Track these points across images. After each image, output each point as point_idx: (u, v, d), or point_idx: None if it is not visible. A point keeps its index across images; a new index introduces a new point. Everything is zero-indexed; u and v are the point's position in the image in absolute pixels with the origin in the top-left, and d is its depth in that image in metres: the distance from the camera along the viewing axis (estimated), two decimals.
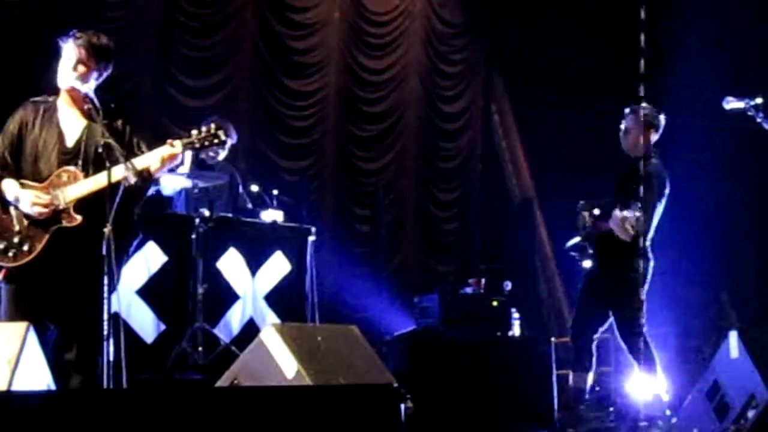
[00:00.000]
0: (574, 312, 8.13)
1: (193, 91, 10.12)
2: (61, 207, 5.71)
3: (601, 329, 7.75)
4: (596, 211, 7.69)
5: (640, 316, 7.31)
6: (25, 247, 5.70)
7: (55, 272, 5.68)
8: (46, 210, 5.69)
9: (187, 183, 8.27)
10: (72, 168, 5.77)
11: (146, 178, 5.82)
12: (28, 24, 8.96)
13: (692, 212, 10.26)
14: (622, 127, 7.81)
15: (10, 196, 5.74)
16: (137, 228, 6.08)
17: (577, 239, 7.98)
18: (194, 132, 5.92)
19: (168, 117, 9.67)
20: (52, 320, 5.74)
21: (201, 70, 10.23)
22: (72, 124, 5.89)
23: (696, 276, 10.20)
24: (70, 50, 5.84)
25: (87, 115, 5.81)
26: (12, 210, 5.75)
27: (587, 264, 7.94)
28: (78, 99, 5.87)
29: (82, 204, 5.71)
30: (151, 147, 5.90)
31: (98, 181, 5.66)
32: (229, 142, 8.87)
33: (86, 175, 5.72)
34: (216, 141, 5.95)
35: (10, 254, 5.69)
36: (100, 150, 5.68)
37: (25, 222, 5.73)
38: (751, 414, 7.15)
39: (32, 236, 5.71)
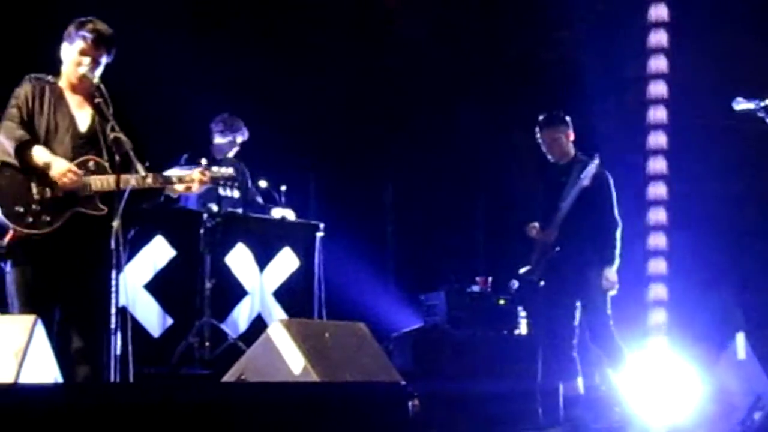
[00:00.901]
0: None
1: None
2: (86, 193, 5.70)
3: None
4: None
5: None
6: (46, 217, 5.65)
7: (65, 256, 5.66)
8: (75, 184, 5.67)
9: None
10: (101, 159, 5.76)
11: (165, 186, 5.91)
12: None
13: (701, 212, 10.25)
14: (545, 138, 7.90)
15: (39, 161, 5.67)
16: (133, 218, 6.07)
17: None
18: (215, 169, 6.17)
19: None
20: (57, 304, 5.73)
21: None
22: (80, 110, 5.89)
23: (703, 276, 10.18)
24: (79, 39, 5.83)
25: (94, 105, 5.80)
26: (34, 179, 5.69)
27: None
28: (85, 88, 5.86)
29: (103, 196, 5.71)
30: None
31: (126, 181, 5.65)
32: (240, 139, 8.91)
33: (111, 166, 5.71)
34: (233, 184, 6.28)
35: (29, 219, 5.63)
36: (109, 143, 5.69)
37: (47, 194, 5.67)
38: (757, 416, 7.14)
39: (52, 210, 5.67)
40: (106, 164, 5.74)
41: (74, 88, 5.91)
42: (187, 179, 5.95)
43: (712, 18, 10.34)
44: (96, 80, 5.75)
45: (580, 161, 7.79)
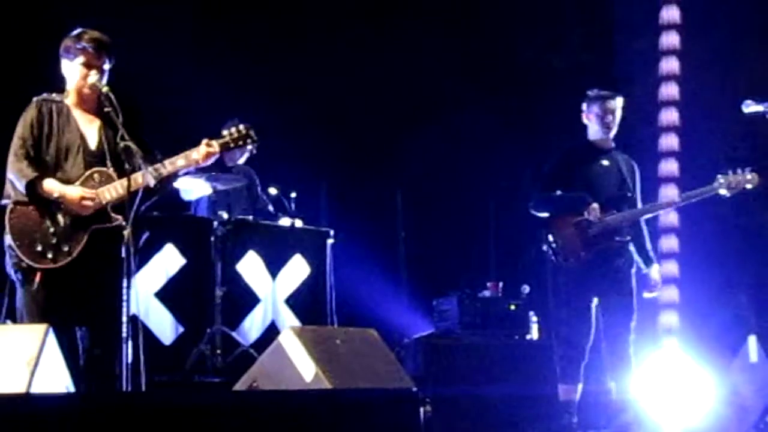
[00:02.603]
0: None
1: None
2: (98, 208, 5.69)
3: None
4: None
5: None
6: (65, 248, 5.67)
7: (88, 274, 5.67)
8: (92, 206, 5.67)
9: (208, 190, 8.28)
10: (104, 169, 5.75)
11: (170, 180, 5.87)
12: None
13: (713, 214, 10.21)
14: (609, 108, 7.61)
15: (52, 194, 5.68)
16: (143, 224, 6.07)
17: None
18: (226, 132, 5.96)
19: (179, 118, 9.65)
20: (81, 323, 5.73)
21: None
22: (89, 125, 5.88)
23: (715, 279, 10.15)
24: (79, 52, 5.83)
25: (102, 115, 5.80)
26: (46, 212, 5.70)
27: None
28: (93, 101, 5.86)
29: (119, 205, 5.70)
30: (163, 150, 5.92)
31: (136, 182, 5.65)
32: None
33: (119, 176, 5.71)
34: (249, 140, 6.03)
35: (50, 255, 5.65)
36: (119, 153, 5.69)
37: (63, 221, 5.69)
38: None
39: (70, 236, 5.68)
40: (112, 173, 5.74)
41: (82, 104, 5.90)
42: (203, 155, 5.86)
43: (723, 20, 10.30)
44: (105, 89, 5.75)
45: (617, 147, 7.72)
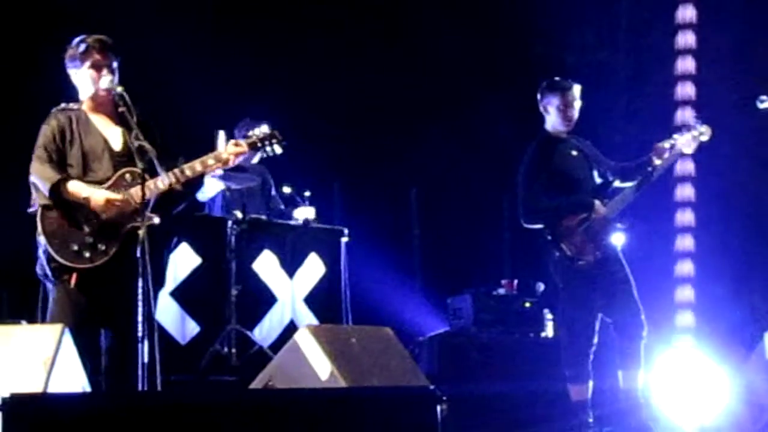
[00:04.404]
0: None
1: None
2: (131, 207, 5.70)
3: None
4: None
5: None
6: (102, 247, 5.70)
7: (119, 275, 5.67)
8: (119, 209, 5.70)
9: (221, 187, 8.30)
10: (135, 168, 5.74)
11: (196, 182, 5.90)
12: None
13: (729, 213, 10.20)
14: (570, 98, 7.41)
15: (78, 197, 5.71)
16: (173, 228, 6.12)
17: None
18: (252, 133, 6.06)
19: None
20: (109, 323, 5.76)
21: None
22: (110, 129, 5.91)
23: (731, 277, 10.14)
24: (85, 56, 5.83)
25: (120, 117, 5.81)
26: (79, 212, 5.72)
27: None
28: (107, 102, 5.88)
29: (152, 204, 5.73)
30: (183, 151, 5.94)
31: (165, 181, 5.71)
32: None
33: (150, 176, 5.70)
34: (275, 141, 6.10)
35: (87, 255, 5.67)
36: (134, 152, 5.69)
37: (95, 221, 5.71)
38: None
39: (106, 235, 5.71)
40: (146, 175, 5.71)
41: (99, 108, 5.92)
42: (223, 156, 5.91)
43: (740, 18, 10.28)
44: (119, 89, 5.76)
45: (578, 134, 7.62)
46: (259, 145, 6.04)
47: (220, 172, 6.24)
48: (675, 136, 7.35)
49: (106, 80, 5.80)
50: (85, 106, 5.93)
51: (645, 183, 7.26)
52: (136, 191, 5.69)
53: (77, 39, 5.89)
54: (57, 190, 5.70)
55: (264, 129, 6.10)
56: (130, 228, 5.70)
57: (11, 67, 8.74)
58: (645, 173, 7.27)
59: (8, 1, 8.92)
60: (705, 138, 7.28)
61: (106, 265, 5.69)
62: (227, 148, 5.94)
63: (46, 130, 5.86)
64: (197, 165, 5.85)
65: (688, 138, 7.28)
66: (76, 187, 5.72)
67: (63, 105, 5.94)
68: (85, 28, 6.01)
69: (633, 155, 7.69)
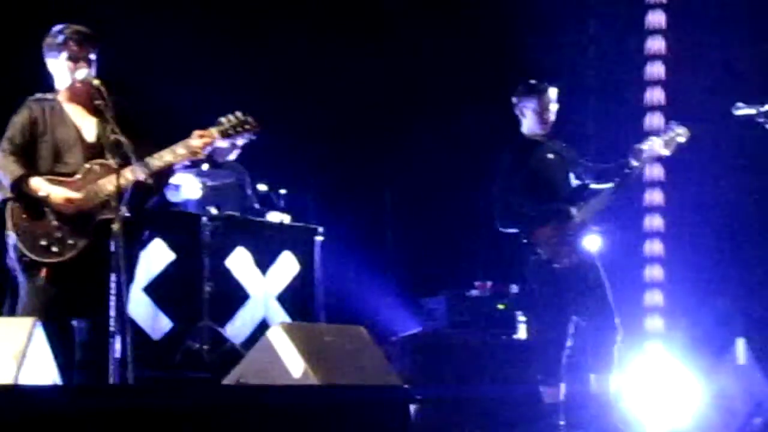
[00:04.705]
0: None
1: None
2: (100, 200, 5.66)
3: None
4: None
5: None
6: (71, 241, 5.66)
7: (91, 267, 5.63)
8: (79, 206, 5.65)
9: (197, 192, 8.26)
10: (104, 160, 5.70)
11: (167, 173, 5.83)
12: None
13: (698, 218, 10.24)
14: (546, 101, 7.41)
15: (41, 194, 5.66)
16: (146, 222, 6.06)
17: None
18: (223, 120, 5.89)
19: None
20: (81, 316, 5.73)
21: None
22: (84, 120, 5.86)
23: (701, 282, 10.17)
24: (63, 46, 5.79)
25: (95, 109, 5.77)
26: (45, 205, 5.68)
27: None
28: (84, 93, 5.83)
29: (122, 196, 5.64)
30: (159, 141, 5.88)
31: (134, 172, 5.64)
32: (241, 141, 8.85)
33: (121, 167, 5.63)
34: (248, 127, 5.94)
35: (55, 249, 5.64)
36: (112, 143, 5.65)
37: (63, 215, 5.67)
38: (757, 421, 7.13)
39: (75, 229, 5.67)
40: (113, 164, 5.64)
41: (74, 99, 5.87)
42: (199, 146, 5.80)
43: (710, 23, 10.34)
44: (96, 82, 5.72)
45: (555, 137, 7.59)
46: (230, 132, 5.90)
47: (187, 163, 6.06)
48: (652, 137, 7.36)
49: (83, 72, 5.76)
50: (61, 96, 5.89)
51: (622, 185, 7.27)
52: (104, 184, 5.66)
53: (56, 28, 5.85)
54: (19, 186, 5.67)
55: (237, 115, 5.91)
56: (99, 221, 5.66)
57: None
58: (623, 175, 7.28)
59: None
60: (682, 139, 7.30)
61: (77, 259, 5.66)
62: (195, 136, 5.82)
63: (17, 121, 5.81)
64: (166, 155, 5.76)
65: (666, 139, 7.30)
66: (37, 184, 5.68)
67: (38, 95, 5.90)
68: (69, 18, 5.97)
69: (603, 159, 7.71)
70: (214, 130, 5.86)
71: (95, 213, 5.69)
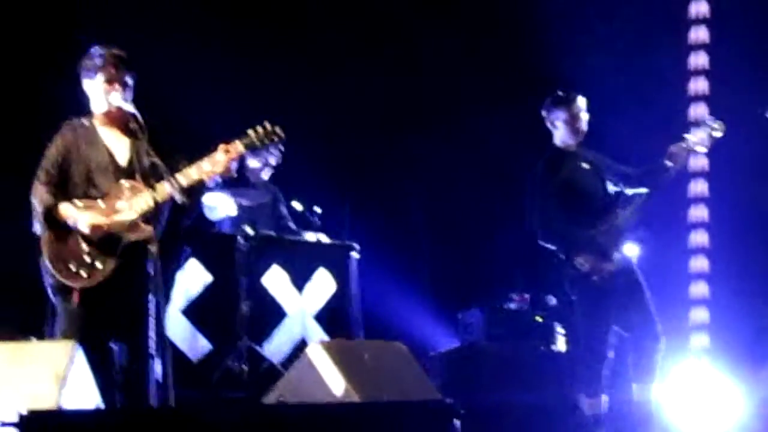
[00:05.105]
0: None
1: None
2: (128, 221, 5.70)
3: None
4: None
5: None
6: (98, 264, 5.69)
7: (123, 289, 5.67)
8: (105, 230, 5.68)
9: (233, 210, 8.28)
10: (134, 182, 5.74)
11: (198, 190, 5.82)
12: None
13: (743, 232, 10.15)
14: (577, 110, 7.43)
15: (70, 222, 5.72)
16: (185, 241, 6.08)
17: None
18: (251, 132, 5.87)
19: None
20: (117, 339, 5.74)
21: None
22: (118, 143, 5.89)
23: (745, 294, 10.07)
24: (99, 69, 5.83)
25: (130, 132, 5.80)
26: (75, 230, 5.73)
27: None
28: (118, 118, 5.86)
29: (150, 217, 5.69)
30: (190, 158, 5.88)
31: (163, 192, 5.66)
32: (273, 161, 8.88)
33: (149, 188, 5.68)
34: (275, 138, 5.90)
35: (84, 274, 5.68)
36: (147, 167, 5.68)
37: (94, 239, 5.71)
38: None
39: (102, 253, 5.70)
40: (142, 186, 5.72)
41: (108, 122, 5.90)
42: (225, 160, 5.77)
43: (754, 14, 10.21)
44: (130, 108, 5.74)
45: (588, 145, 7.56)
46: (256, 143, 5.87)
47: (218, 178, 6.03)
48: (685, 135, 7.31)
49: (117, 95, 5.78)
50: (96, 119, 5.92)
51: (658, 188, 7.24)
52: (131, 205, 5.69)
53: (93, 50, 5.88)
54: (50, 214, 5.73)
55: (263, 126, 5.89)
56: (127, 243, 5.69)
57: (21, 84, 8.76)
58: (658, 178, 7.25)
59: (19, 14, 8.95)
60: (719, 134, 7.24)
61: (107, 282, 5.70)
62: (220, 150, 5.81)
63: (51, 150, 5.87)
64: (193, 172, 5.77)
65: (702, 136, 7.25)
66: (65, 211, 5.73)
67: (73, 120, 5.94)
68: (96, 37, 6.01)
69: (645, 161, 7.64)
70: (239, 143, 5.84)
71: (123, 235, 5.71)
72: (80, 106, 5.98)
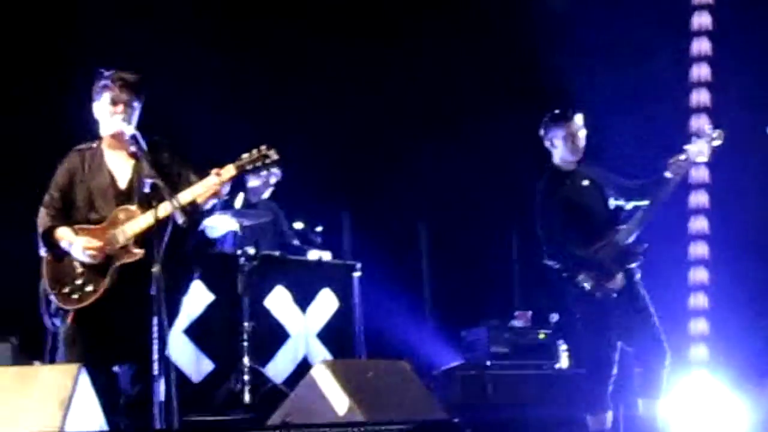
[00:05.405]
0: None
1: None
2: (119, 245, 5.71)
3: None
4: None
5: None
6: (89, 288, 5.71)
7: (120, 311, 5.67)
8: (98, 254, 5.70)
9: (235, 225, 8.29)
10: (129, 206, 5.77)
11: (194, 211, 5.81)
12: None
13: (744, 243, 10.15)
14: (574, 129, 7.32)
15: (65, 244, 5.75)
16: (191, 265, 6.08)
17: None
18: (245, 155, 5.86)
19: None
20: (116, 362, 5.74)
21: None
22: (121, 166, 5.90)
23: (746, 306, 10.07)
24: (106, 90, 5.84)
25: (133, 155, 5.82)
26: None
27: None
28: (123, 141, 5.87)
29: (142, 240, 5.69)
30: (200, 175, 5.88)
31: (156, 215, 5.64)
32: (274, 179, 8.88)
33: (143, 212, 5.70)
34: (268, 161, 5.87)
35: (75, 296, 5.71)
36: (146, 189, 5.68)
37: (86, 262, 5.73)
38: None
39: (94, 276, 5.72)
40: (136, 210, 5.74)
41: (114, 145, 5.92)
42: (218, 183, 5.76)
43: (757, 26, 10.22)
44: (130, 130, 5.75)
45: (588, 162, 7.55)
46: (248, 167, 5.84)
47: (214, 201, 6.03)
48: (686, 147, 7.30)
49: (118, 117, 5.78)
50: (104, 142, 5.94)
51: (659, 200, 7.22)
52: (125, 229, 5.72)
53: (102, 71, 5.90)
54: (47, 236, 5.79)
55: (258, 149, 5.84)
56: (120, 266, 5.71)
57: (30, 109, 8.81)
58: (659, 190, 7.24)
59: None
60: (718, 142, 7.23)
61: (100, 303, 5.70)
62: (212, 174, 5.80)
63: (57, 176, 5.93)
64: (185, 194, 5.76)
65: (701, 146, 7.25)
66: (62, 234, 5.78)
67: (81, 145, 5.98)
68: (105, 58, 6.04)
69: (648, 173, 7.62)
70: (231, 167, 5.83)
71: (114, 258, 5.73)
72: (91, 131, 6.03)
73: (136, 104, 5.88)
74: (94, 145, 5.96)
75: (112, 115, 5.81)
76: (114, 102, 5.82)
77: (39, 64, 9.00)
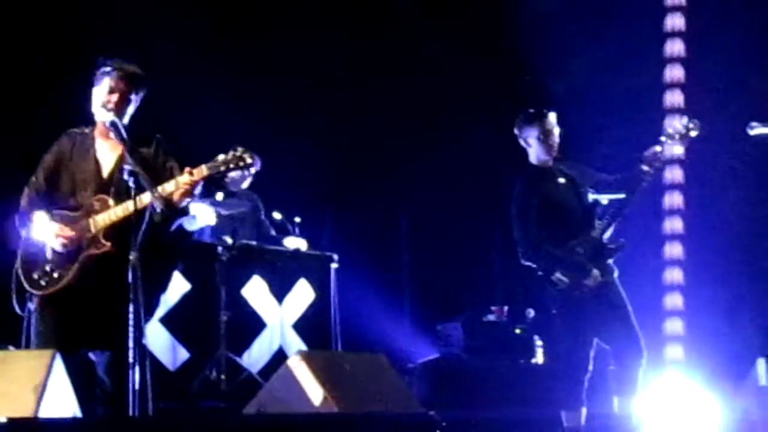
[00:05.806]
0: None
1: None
2: (90, 235, 5.70)
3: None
4: None
5: None
6: (56, 275, 5.71)
7: (91, 300, 5.67)
8: (68, 242, 5.69)
9: (213, 220, 8.26)
10: (104, 196, 5.75)
11: (172, 206, 5.78)
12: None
13: (719, 244, 10.18)
14: (550, 128, 7.35)
15: (38, 229, 5.74)
16: (173, 256, 6.07)
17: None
18: (220, 156, 5.84)
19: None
20: (88, 348, 5.74)
21: None
22: (108, 154, 5.89)
23: (721, 303, 10.11)
24: (105, 77, 5.83)
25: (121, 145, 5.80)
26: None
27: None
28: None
29: (113, 231, 5.68)
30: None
31: (126, 208, 5.64)
32: (253, 169, 8.86)
33: (117, 203, 5.70)
34: (242, 164, 5.84)
35: (42, 282, 5.71)
36: (125, 176, 5.66)
37: (56, 249, 5.72)
38: None
39: (62, 264, 5.71)
40: (110, 200, 5.73)
41: (105, 133, 5.89)
42: (188, 182, 5.72)
43: (730, 27, 10.26)
44: (109, 117, 5.73)
45: (558, 158, 7.48)
46: (222, 168, 5.80)
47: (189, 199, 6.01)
48: (662, 138, 7.30)
49: (112, 105, 5.76)
50: (97, 128, 5.94)
51: (636, 193, 7.22)
52: (96, 219, 5.71)
53: (105, 59, 5.88)
54: (23, 218, 5.81)
55: (234, 151, 5.79)
56: (86, 256, 5.69)
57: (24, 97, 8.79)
58: (636, 183, 7.24)
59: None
60: (694, 133, 7.23)
61: (73, 291, 5.70)
62: (184, 173, 5.77)
63: (44, 158, 5.92)
64: (157, 189, 5.70)
65: (677, 127, 7.24)
66: (38, 219, 5.77)
67: (74, 129, 5.97)
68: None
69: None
70: (204, 167, 5.80)
71: (82, 248, 5.72)
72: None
73: (133, 97, 5.88)
74: (87, 130, 5.95)
75: (104, 104, 5.80)
76: (111, 90, 5.81)
77: (38, 64, 8.99)
